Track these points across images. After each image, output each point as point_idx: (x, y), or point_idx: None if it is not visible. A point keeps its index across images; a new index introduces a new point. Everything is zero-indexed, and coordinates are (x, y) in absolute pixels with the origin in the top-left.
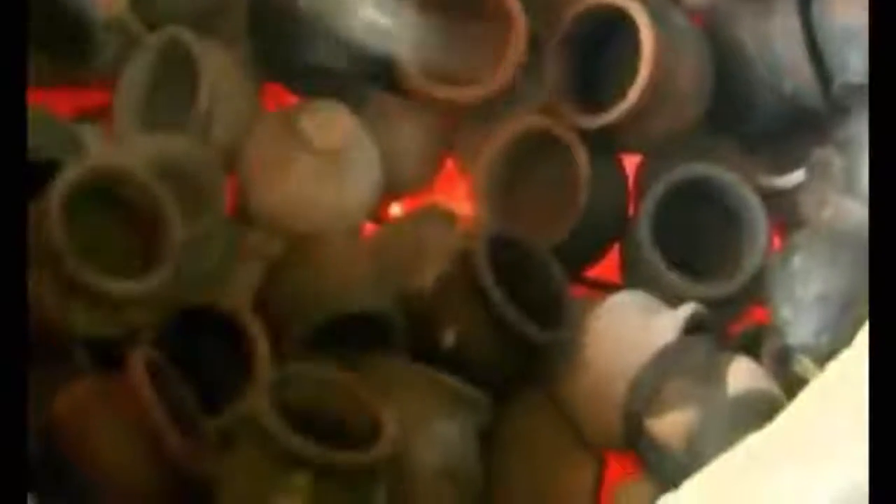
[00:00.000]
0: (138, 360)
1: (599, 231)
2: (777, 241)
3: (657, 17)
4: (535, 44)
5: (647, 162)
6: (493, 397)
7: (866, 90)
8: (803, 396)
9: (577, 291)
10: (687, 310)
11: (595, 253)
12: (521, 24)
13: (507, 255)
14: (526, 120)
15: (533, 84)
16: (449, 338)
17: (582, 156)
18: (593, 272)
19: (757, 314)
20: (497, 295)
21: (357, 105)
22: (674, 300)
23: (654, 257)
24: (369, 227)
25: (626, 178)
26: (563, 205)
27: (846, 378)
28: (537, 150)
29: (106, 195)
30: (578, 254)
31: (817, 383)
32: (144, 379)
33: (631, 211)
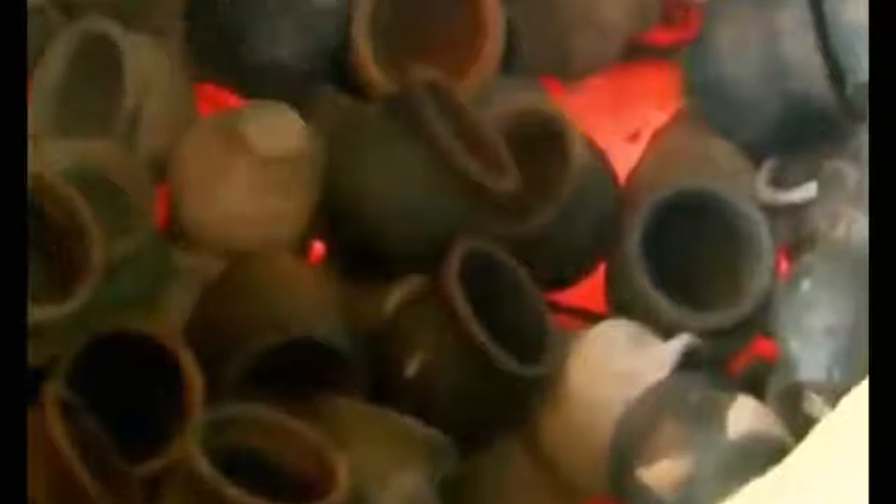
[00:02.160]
0: (50, 399)
1: (583, 241)
2: (784, 264)
3: None
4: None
5: (640, 173)
6: (463, 439)
7: None
8: (811, 439)
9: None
10: (681, 342)
11: (577, 269)
12: (496, 22)
13: (480, 277)
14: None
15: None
16: (412, 367)
17: (576, 139)
18: (572, 299)
19: (761, 347)
20: (471, 322)
21: (307, 108)
22: (666, 331)
23: (643, 280)
24: (319, 246)
25: (619, 189)
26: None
27: (855, 418)
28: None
29: None
30: (556, 270)
31: (826, 424)
32: (58, 422)
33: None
